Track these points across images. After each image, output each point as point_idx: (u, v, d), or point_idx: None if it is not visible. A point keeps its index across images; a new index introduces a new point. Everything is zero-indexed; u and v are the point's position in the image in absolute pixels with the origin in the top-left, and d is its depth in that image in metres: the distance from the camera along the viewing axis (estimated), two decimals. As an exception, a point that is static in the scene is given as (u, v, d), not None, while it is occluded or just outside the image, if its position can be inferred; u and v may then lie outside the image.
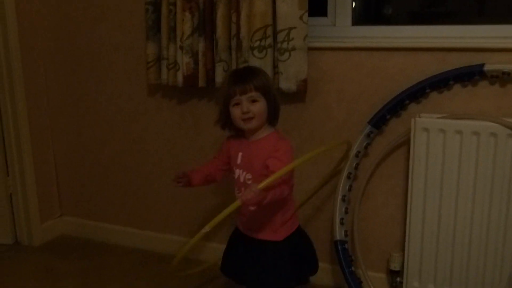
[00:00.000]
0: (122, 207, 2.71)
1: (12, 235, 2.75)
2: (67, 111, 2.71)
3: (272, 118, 1.80)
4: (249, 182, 1.76)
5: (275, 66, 2.08)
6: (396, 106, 1.98)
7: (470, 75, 1.88)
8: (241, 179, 1.79)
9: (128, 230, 2.72)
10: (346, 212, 2.10)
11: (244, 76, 1.75)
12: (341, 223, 2.07)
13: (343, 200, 2.08)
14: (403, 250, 2.05)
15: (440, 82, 1.92)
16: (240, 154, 1.79)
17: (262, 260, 1.79)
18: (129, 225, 2.71)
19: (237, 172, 1.80)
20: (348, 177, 2.07)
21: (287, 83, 2.06)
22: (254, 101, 1.72)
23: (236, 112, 1.74)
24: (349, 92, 2.09)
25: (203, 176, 1.88)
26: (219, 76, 2.14)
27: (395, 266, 2.10)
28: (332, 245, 2.21)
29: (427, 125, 1.87)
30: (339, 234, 2.06)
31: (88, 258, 2.61)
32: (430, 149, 1.87)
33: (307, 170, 2.21)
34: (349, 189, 2.10)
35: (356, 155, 2.05)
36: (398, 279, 2.09)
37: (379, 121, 2.01)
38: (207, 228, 1.57)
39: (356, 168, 2.08)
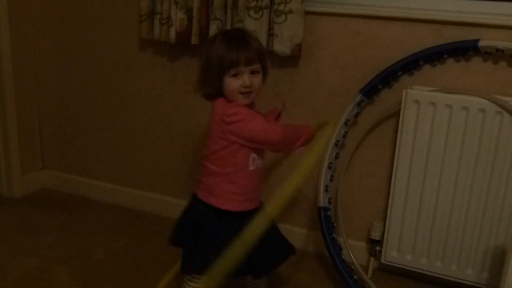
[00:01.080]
0: (106, 163, 2.69)
1: (-8, 185, 2.73)
2: (54, 62, 2.66)
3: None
4: None
5: (270, 28, 2.06)
6: (389, 77, 1.98)
7: (464, 50, 1.88)
8: None
9: (111, 187, 2.70)
10: (331, 180, 2.12)
11: (246, 41, 1.56)
12: (326, 190, 2.08)
13: (329, 167, 2.09)
14: (384, 220, 2.07)
15: (434, 55, 1.92)
16: None
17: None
18: (113, 182, 2.70)
19: None
20: (336, 145, 2.08)
21: (281, 46, 2.04)
22: (254, 72, 1.57)
23: (235, 84, 1.54)
24: (343, 59, 2.08)
25: None
26: (213, 34, 2.11)
27: (376, 235, 2.12)
28: (314, 211, 2.23)
29: (418, 97, 1.88)
30: (322, 201, 2.07)
31: (69, 212, 2.60)
32: (419, 121, 1.89)
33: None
34: (336, 157, 2.11)
35: (345, 123, 2.05)
36: (378, 248, 2.12)
37: (370, 91, 2.01)
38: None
39: (344, 136, 2.09)
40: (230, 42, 1.55)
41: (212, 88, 1.58)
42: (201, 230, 1.63)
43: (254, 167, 1.62)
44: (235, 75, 1.54)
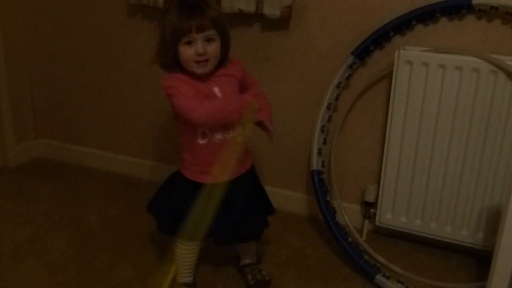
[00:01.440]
0: (98, 130, 2.68)
1: (-14, 155, 2.73)
2: (42, 28, 2.62)
3: (222, 58, 1.60)
4: None
5: (260, -10, 2.02)
6: (381, 38, 1.94)
7: (457, 8, 1.83)
8: None
9: (104, 154, 2.70)
10: (324, 143, 2.10)
11: (199, 8, 1.51)
12: (319, 153, 2.07)
13: (321, 130, 2.07)
14: (378, 182, 2.06)
15: (427, 14, 1.87)
16: (216, 88, 1.58)
17: (255, 191, 1.76)
18: (106, 149, 2.70)
19: None
20: (328, 108, 2.06)
21: (271, 9, 2.00)
22: (209, 40, 1.52)
23: (188, 52, 1.51)
24: (333, 21, 2.03)
25: None
26: (202, -2, 2.07)
27: (370, 198, 2.12)
28: (308, 175, 2.22)
29: (410, 58, 1.84)
30: (316, 164, 2.06)
31: (63, 180, 2.61)
32: (412, 82, 1.85)
33: (285, 100, 2.20)
34: (329, 120, 2.09)
35: (337, 86, 2.03)
36: (372, 210, 2.12)
37: (362, 52, 1.98)
38: None
39: (336, 99, 2.06)
40: (182, 9, 1.50)
41: (167, 57, 1.54)
42: (172, 193, 1.68)
43: (205, 141, 1.58)
44: (188, 43, 1.50)
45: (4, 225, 2.18)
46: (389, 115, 1.93)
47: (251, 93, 1.63)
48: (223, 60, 1.60)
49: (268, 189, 2.30)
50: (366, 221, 2.15)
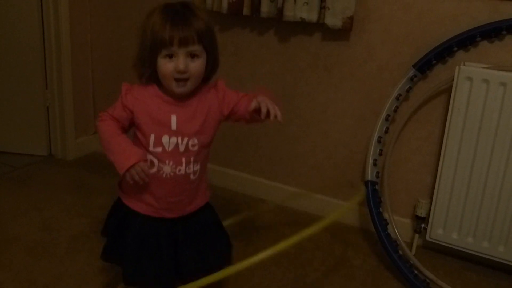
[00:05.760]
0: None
1: (47, 147, 2.83)
2: (108, 28, 2.71)
3: (207, 76, 1.43)
4: (195, 148, 1.41)
5: (322, 1, 2.04)
6: (444, 52, 1.94)
7: (524, 27, 1.82)
8: (181, 149, 1.40)
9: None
10: (380, 154, 2.10)
11: (185, 17, 1.32)
12: (374, 164, 2.07)
13: (378, 141, 2.07)
14: (431, 197, 2.05)
15: (492, 31, 1.86)
16: (174, 117, 1.39)
17: (209, 230, 1.54)
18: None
19: (172, 140, 1.39)
20: (386, 119, 2.06)
21: (332, 19, 2.02)
22: (193, 56, 1.33)
23: (167, 67, 1.32)
24: (394, 33, 2.04)
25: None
26: (265, 5, 2.10)
27: (421, 213, 2.10)
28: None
29: (471, 74, 1.83)
30: (370, 175, 2.06)
31: (119, 176, 2.66)
32: (471, 99, 1.84)
33: (341, 109, 2.21)
34: (386, 131, 2.09)
35: (397, 98, 2.03)
36: (423, 225, 2.10)
37: (424, 66, 1.98)
38: None
39: (395, 111, 2.07)
40: (166, 16, 1.32)
41: (146, 68, 1.37)
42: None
43: (154, 170, 1.42)
44: (169, 56, 1.32)
45: (62, 216, 2.25)
46: (446, 130, 1.92)
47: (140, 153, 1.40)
48: (206, 80, 1.44)
49: (319, 198, 2.33)
50: (416, 236, 2.14)
